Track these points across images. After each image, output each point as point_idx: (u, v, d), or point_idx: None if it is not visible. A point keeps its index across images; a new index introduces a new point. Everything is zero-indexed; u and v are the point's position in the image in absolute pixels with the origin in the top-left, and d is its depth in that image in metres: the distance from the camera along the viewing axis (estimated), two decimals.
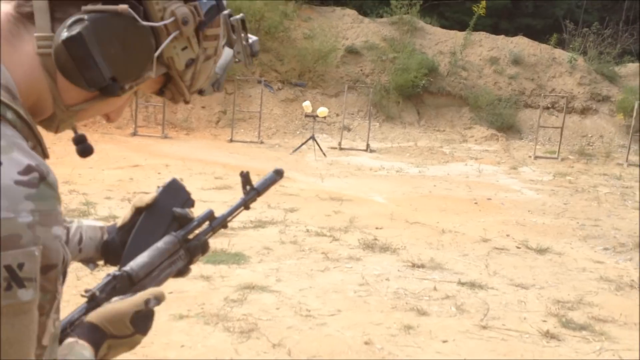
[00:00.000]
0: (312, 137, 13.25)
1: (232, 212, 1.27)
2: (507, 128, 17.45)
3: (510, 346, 3.98)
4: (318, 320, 4.15)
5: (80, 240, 1.18)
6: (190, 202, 1.25)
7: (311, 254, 5.68)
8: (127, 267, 1.08)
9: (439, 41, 19.29)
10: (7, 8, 0.80)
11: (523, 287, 5.16)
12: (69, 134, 1.04)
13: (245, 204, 1.29)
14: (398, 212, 7.90)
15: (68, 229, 1.18)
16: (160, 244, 1.14)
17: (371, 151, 14.37)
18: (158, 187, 1.23)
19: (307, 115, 13.73)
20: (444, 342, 3.98)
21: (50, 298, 0.73)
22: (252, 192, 1.30)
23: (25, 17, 0.79)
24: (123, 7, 0.79)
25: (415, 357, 3.73)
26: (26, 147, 0.73)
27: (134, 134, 13.93)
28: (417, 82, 17.11)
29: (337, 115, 16.29)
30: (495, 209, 8.70)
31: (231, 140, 14.37)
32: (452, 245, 6.41)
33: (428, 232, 6.89)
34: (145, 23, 0.82)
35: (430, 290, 4.90)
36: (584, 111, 18.30)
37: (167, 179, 1.25)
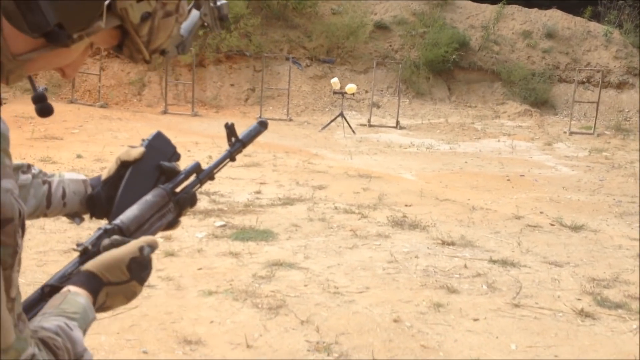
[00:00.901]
0: (341, 114, 13.15)
1: (218, 163, 1.27)
2: (541, 103, 17.09)
3: (544, 325, 3.89)
4: (346, 298, 4.11)
5: (63, 195, 1.16)
6: (176, 156, 1.23)
7: (339, 231, 5.64)
8: (117, 221, 1.06)
9: (470, 15, 18.90)
10: None
11: (557, 265, 5.05)
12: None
13: (230, 156, 1.30)
14: (428, 189, 7.80)
15: (50, 183, 1.15)
16: (149, 197, 1.12)
17: (401, 128, 14.21)
18: (143, 140, 1.20)
19: (335, 92, 13.62)
20: (475, 320, 3.91)
21: (11, 252, 0.72)
22: (237, 143, 1.31)
23: None
24: None
25: (445, 335, 3.67)
26: None
27: (165, 112, 13.99)
28: (447, 57, 16.82)
29: (366, 91, 16.13)
30: (529, 186, 8.54)
31: (260, 118, 14.34)
32: (484, 223, 6.30)
33: (458, 210, 6.79)
34: None
35: (461, 268, 4.83)
36: (620, 85, 17.80)
37: (152, 132, 1.21)
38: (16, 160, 1.08)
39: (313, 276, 4.46)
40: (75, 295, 0.90)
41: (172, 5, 0.89)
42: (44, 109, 0.96)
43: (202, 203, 6.12)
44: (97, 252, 0.99)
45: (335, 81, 13.38)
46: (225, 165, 1.29)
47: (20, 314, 0.75)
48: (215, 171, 1.26)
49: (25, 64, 0.84)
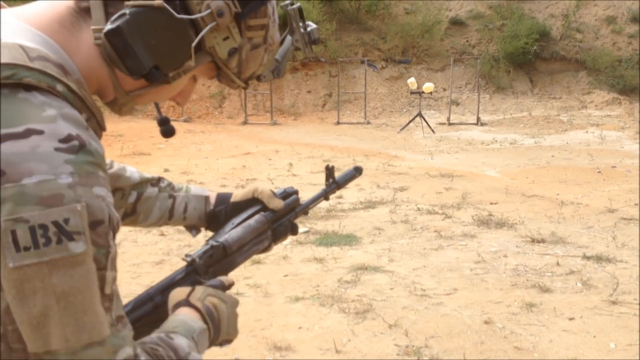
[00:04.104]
0: (419, 114, 13.01)
1: (314, 200, 1.39)
2: (630, 90, 16.29)
3: None
4: (434, 300, 4.05)
5: (185, 210, 1.31)
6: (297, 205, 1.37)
7: (423, 233, 5.57)
8: (222, 239, 1.17)
9: (549, 4, 18.27)
10: (69, 2, 0.88)
11: None
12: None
13: (325, 195, 1.42)
14: (513, 185, 7.59)
15: (175, 198, 1.31)
16: (252, 222, 1.24)
17: (482, 124, 13.90)
18: (277, 189, 1.34)
19: (412, 92, 13.49)
20: (571, 319, 3.76)
21: (104, 252, 0.77)
22: (333, 184, 1.42)
23: (84, 11, 0.87)
24: (159, 2, 0.86)
25: (539, 335, 3.55)
26: (76, 117, 0.78)
27: (245, 122, 14.30)
28: (528, 48, 16.34)
29: (444, 89, 15.88)
30: (621, 177, 8.14)
31: (338, 123, 14.40)
32: (575, 218, 6.06)
33: (547, 205, 6.56)
34: (180, 16, 0.87)
35: (553, 266, 4.66)
36: None
37: (286, 188, 1.36)
38: (146, 171, 1.28)
39: (399, 279, 4.43)
40: (174, 316, 0.98)
41: (259, 38, 0.96)
42: (167, 131, 1.07)
43: None
44: (202, 265, 1.12)
45: (412, 81, 13.26)
46: (319, 202, 1.40)
47: (121, 316, 0.81)
48: (310, 206, 1.38)
49: (136, 98, 0.96)
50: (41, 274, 0.72)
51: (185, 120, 14.02)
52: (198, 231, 1.35)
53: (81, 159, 0.75)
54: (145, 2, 0.85)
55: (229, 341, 1.08)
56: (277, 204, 1.29)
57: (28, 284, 0.72)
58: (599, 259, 4.77)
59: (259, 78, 1.05)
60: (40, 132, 0.73)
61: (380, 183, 7.66)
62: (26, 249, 0.71)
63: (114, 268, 0.81)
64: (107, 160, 1.18)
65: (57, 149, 0.73)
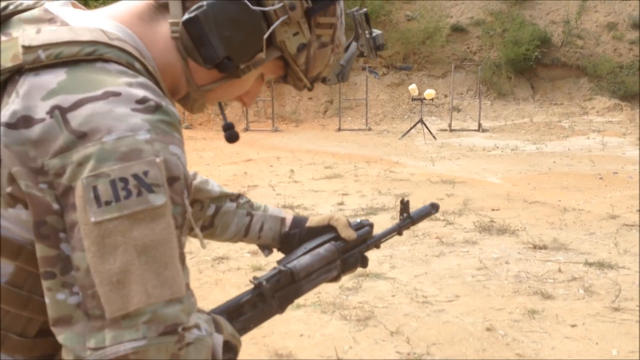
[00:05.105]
0: (421, 121, 13.02)
1: (386, 234, 1.38)
2: (631, 97, 16.29)
3: None
4: (435, 307, 4.04)
5: (260, 229, 1.33)
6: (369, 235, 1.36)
7: (425, 239, 5.56)
8: (291, 265, 1.17)
9: (550, 10, 18.30)
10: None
11: None
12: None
13: (399, 230, 1.39)
14: (515, 192, 7.58)
15: (252, 216, 1.32)
16: (322, 251, 1.23)
17: (483, 130, 13.91)
18: (354, 221, 1.34)
19: (414, 99, 13.51)
20: (573, 326, 3.75)
21: (180, 211, 0.78)
22: (407, 219, 1.41)
23: (162, 6, 0.92)
24: None
25: (542, 342, 3.54)
26: (151, 85, 0.80)
27: (246, 129, 14.32)
28: (529, 55, 16.37)
29: (446, 96, 15.89)
30: (623, 184, 8.13)
31: (339, 129, 14.41)
32: (577, 224, 6.05)
33: (549, 212, 6.55)
34: (255, 8, 0.90)
35: (555, 273, 4.65)
36: None
37: (362, 220, 1.35)
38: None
39: (400, 286, 4.42)
40: (225, 323, 1.00)
41: (326, 37, 0.98)
42: (231, 136, 1.10)
43: None
44: (269, 288, 1.13)
45: (413, 87, 13.28)
46: (392, 237, 1.39)
47: (188, 283, 0.80)
48: (382, 240, 1.37)
49: (207, 94, 0.99)
50: (122, 228, 0.72)
51: (186, 127, 14.04)
52: (270, 251, 1.36)
53: (158, 118, 0.77)
54: None
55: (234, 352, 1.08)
56: (350, 234, 1.29)
57: (109, 239, 0.72)
58: (601, 265, 4.76)
59: (324, 80, 1.09)
60: (117, 94, 0.75)
61: (382, 189, 7.65)
62: (107, 203, 0.72)
63: (186, 232, 0.81)
64: (191, 172, 1.22)
65: (134, 109, 0.75)
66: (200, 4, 0.89)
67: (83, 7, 0.96)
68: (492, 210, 6.61)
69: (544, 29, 17.19)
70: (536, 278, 4.54)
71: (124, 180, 0.73)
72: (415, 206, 1.45)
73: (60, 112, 0.74)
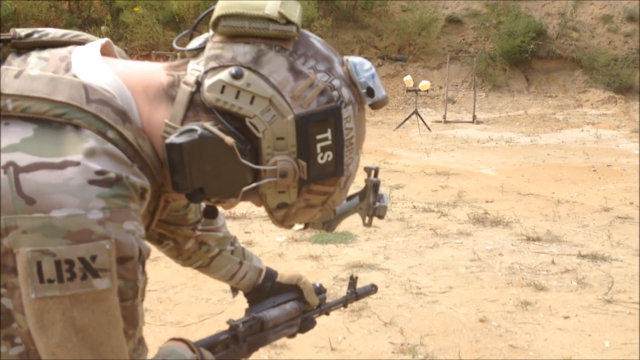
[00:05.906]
0: (416, 112, 13.01)
1: (335, 304, 1.57)
2: (626, 89, 16.31)
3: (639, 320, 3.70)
4: (429, 298, 4.05)
5: (242, 278, 1.43)
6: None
7: (419, 231, 5.57)
8: (262, 314, 1.30)
9: (545, 2, 18.29)
10: (163, 76, 0.87)
11: None
12: None
13: (345, 303, 1.59)
14: (509, 184, 7.59)
15: (241, 265, 1.42)
16: (288, 307, 1.38)
17: (478, 122, 13.91)
18: (316, 284, 1.53)
19: (409, 90, 13.48)
20: (566, 318, 3.76)
21: (132, 286, 0.78)
22: (352, 294, 1.60)
23: (170, 95, 0.86)
24: (230, 140, 0.82)
25: (534, 334, 3.55)
26: (117, 154, 0.77)
27: None
28: (524, 47, 16.35)
29: (440, 87, 15.88)
30: (617, 176, 8.16)
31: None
32: (570, 216, 6.07)
33: (543, 204, 6.57)
34: (244, 162, 0.84)
35: (548, 264, 4.67)
36: None
37: (320, 286, 1.54)
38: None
39: (394, 277, 4.43)
40: (164, 346, 1.04)
41: (317, 201, 0.93)
42: (209, 211, 1.07)
43: None
44: (243, 332, 1.25)
45: (408, 79, 13.25)
46: (338, 307, 1.60)
47: (141, 338, 0.83)
48: (331, 309, 1.56)
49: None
50: (62, 307, 0.72)
51: None
52: (237, 293, 1.48)
53: (114, 192, 0.74)
54: (218, 133, 0.82)
55: None
56: (315, 300, 1.46)
57: (48, 315, 0.72)
58: (594, 257, 4.78)
59: (306, 225, 1.05)
60: (76, 164, 0.72)
61: None
62: (50, 281, 0.71)
63: (141, 297, 0.81)
64: (220, 222, 1.35)
65: (91, 182, 0.72)
66: (194, 127, 0.83)
67: (114, 48, 0.93)
68: (486, 202, 6.63)
69: (539, 21, 17.17)
70: (529, 270, 4.56)
71: (70, 262, 0.71)
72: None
73: (14, 170, 0.71)
